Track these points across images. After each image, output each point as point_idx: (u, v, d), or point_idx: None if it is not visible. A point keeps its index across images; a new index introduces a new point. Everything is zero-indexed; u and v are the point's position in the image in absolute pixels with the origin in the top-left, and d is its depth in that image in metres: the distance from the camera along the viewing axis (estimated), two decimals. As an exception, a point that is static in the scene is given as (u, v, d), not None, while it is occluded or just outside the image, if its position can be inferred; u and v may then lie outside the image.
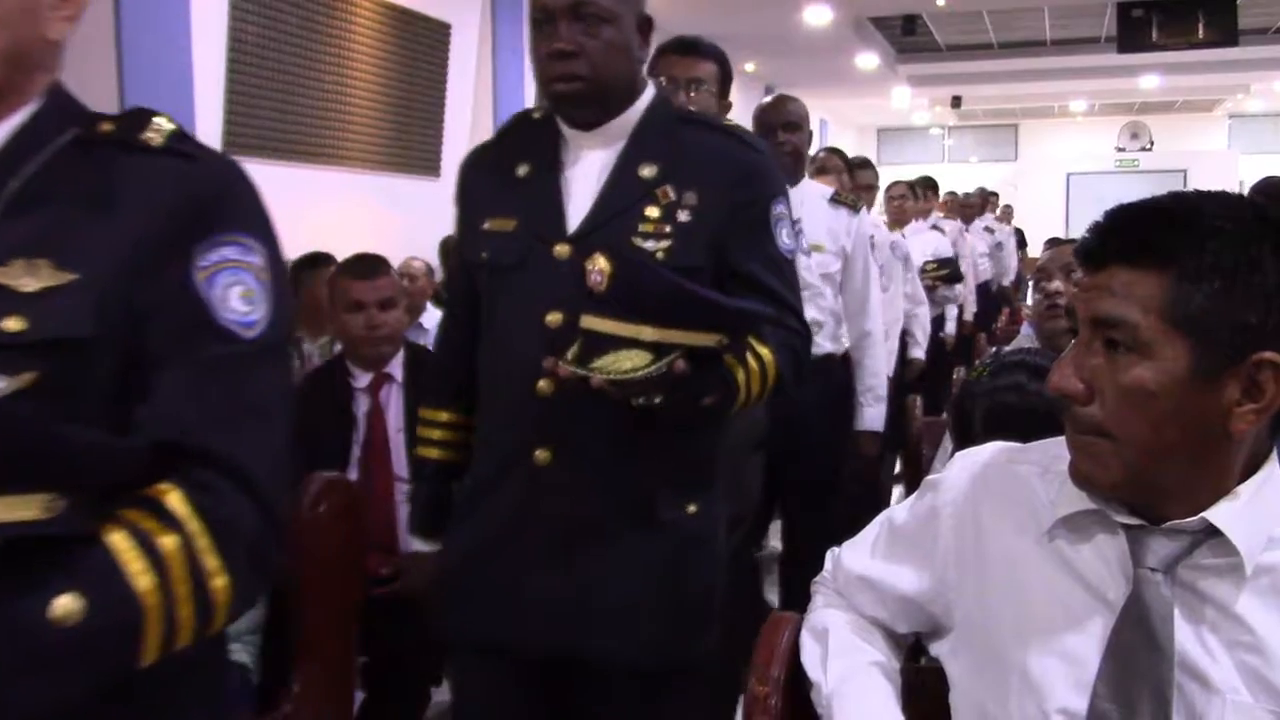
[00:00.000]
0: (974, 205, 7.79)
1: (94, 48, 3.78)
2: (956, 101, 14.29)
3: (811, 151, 3.81)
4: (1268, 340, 0.90)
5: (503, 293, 1.54)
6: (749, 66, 11.40)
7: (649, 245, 1.46)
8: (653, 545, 1.49)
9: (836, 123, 16.17)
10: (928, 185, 6.35)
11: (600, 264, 1.35)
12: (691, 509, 1.52)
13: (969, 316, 6.16)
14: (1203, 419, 0.92)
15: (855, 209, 3.05)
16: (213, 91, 4.39)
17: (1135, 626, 0.94)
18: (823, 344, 2.93)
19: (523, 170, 1.54)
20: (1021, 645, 1.00)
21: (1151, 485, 0.95)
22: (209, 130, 4.30)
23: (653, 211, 1.47)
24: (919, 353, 4.66)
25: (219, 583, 0.86)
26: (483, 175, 1.62)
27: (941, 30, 11.47)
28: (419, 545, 1.73)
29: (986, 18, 10.81)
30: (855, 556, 1.21)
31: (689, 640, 1.55)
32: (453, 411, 1.68)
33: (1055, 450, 1.03)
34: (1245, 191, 3.50)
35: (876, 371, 3.13)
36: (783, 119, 2.96)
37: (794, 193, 2.78)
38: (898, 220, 5.33)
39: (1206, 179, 12.17)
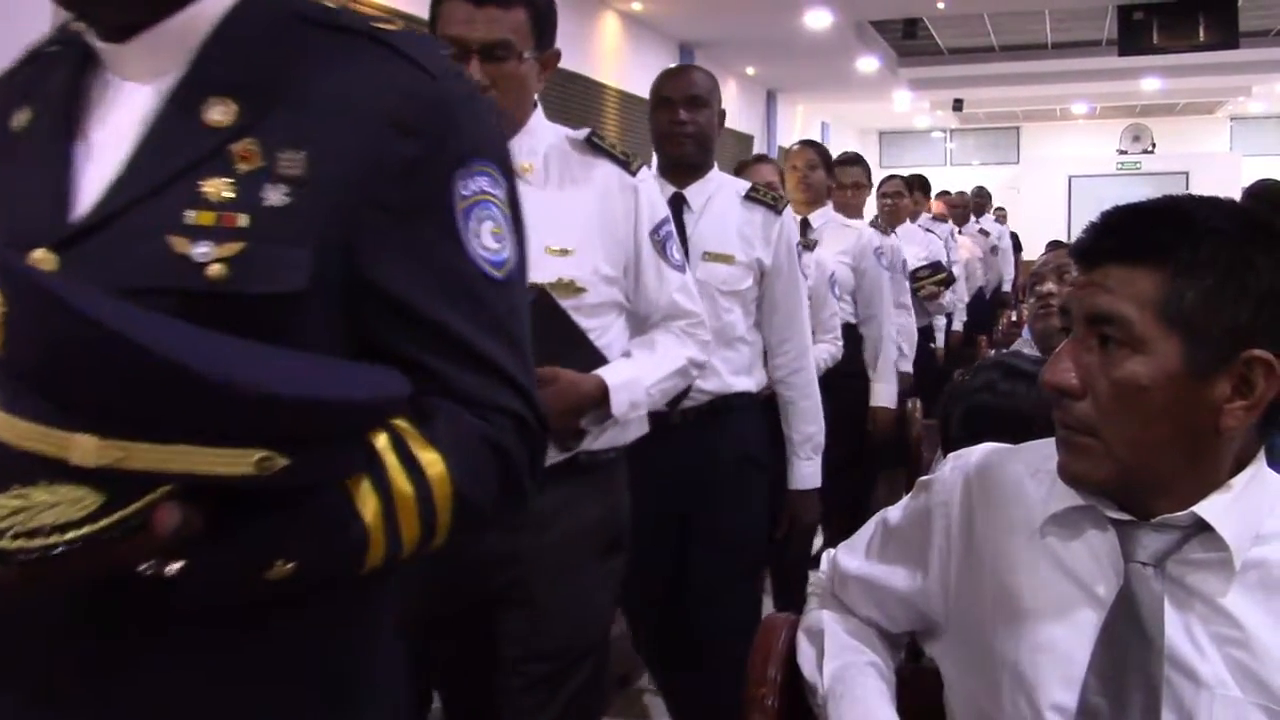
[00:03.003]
0: (962, 206, 7.55)
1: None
2: (958, 104, 14.31)
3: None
4: (1259, 338, 0.92)
5: None
6: (750, 70, 11.41)
7: (198, 251, 0.76)
8: None
9: (838, 126, 16.19)
10: (919, 185, 6.25)
11: None
12: None
13: (958, 326, 5.81)
14: (1193, 415, 0.93)
15: (777, 209, 2.35)
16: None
17: (1126, 620, 0.95)
18: (732, 381, 2.28)
19: (21, 118, 0.87)
20: (1013, 642, 1.01)
21: (1142, 481, 0.96)
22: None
23: (216, 187, 0.78)
24: (906, 366, 4.28)
25: None
26: None
27: (942, 33, 11.49)
28: None
29: (987, 21, 10.83)
30: (850, 557, 1.23)
31: None
32: None
33: (1046, 451, 1.04)
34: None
35: (814, 416, 2.43)
36: (684, 92, 2.28)
37: (699, 185, 2.31)
38: (891, 221, 4.93)
39: (1208, 181, 12.20)
